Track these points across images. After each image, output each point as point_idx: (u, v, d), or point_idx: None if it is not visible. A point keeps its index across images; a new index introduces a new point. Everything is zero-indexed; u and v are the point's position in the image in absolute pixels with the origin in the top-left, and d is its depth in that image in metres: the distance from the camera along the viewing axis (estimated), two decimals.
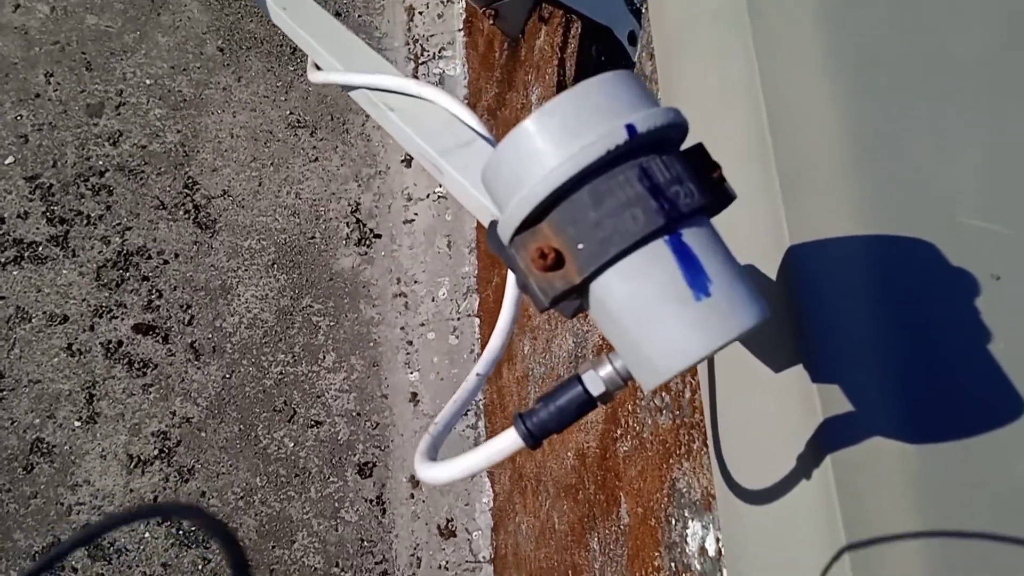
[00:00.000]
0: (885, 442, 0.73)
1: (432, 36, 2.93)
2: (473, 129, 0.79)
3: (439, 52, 2.91)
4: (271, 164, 2.72)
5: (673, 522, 1.21)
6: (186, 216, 2.61)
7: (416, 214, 2.75)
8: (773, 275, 0.78)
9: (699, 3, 0.97)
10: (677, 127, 0.53)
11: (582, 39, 1.69)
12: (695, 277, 0.49)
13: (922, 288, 0.76)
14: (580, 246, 0.50)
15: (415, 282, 2.69)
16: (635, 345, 0.51)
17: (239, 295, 2.58)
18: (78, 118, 2.63)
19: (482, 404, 2.53)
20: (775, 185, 0.80)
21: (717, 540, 1.11)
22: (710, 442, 0.92)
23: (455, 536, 2.41)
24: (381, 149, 2.81)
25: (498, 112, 2.41)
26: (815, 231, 0.77)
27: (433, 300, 2.66)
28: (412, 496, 2.48)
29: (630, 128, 0.49)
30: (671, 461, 1.24)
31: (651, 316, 0.49)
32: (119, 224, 2.57)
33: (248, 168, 2.69)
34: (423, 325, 2.64)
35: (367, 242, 2.71)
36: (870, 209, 0.76)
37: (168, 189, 2.62)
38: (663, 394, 1.26)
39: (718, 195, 0.53)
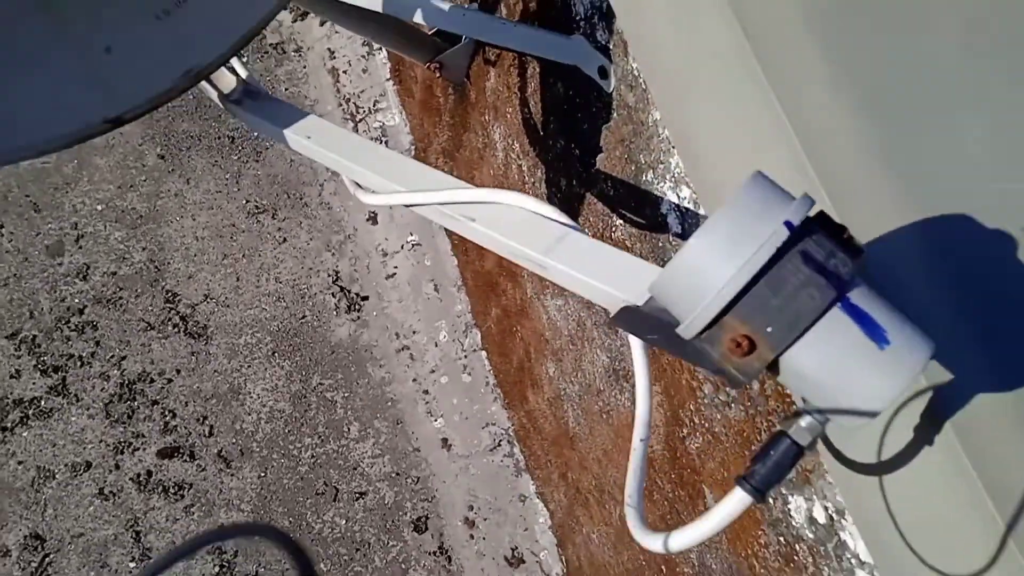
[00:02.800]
0: (989, 397, 0.84)
1: (362, 92, 2.98)
2: (561, 223, 0.87)
3: (373, 106, 2.95)
4: (243, 256, 2.74)
5: (771, 500, 1.31)
6: (176, 330, 2.61)
7: (396, 267, 2.80)
8: None
9: (697, 44, 1.05)
10: (810, 208, 0.61)
11: (543, 77, 1.77)
12: (873, 331, 0.58)
13: (971, 249, 0.85)
14: (769, 329, 0.58)
15: (414, 332, 2.74)
16: (834, 399, 0.59)
17: (250, 393, 2.59)
18: (41, 262, 2.61)
19: (512, 431, 2.60)
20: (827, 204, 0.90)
21: (825, 509, 1.21)
22: None
23: (524, 562, 2.49)
24: (344, 213, 2.85)
25: (456, 154, 2.48)
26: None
27: (436, 345, 2.72)
28: (472, 536, 2.54)
29: (788, 224, 0.57)
30: (752, 448, 1.34)
31: (847, 373, 0.58)
32: (113, 356, 2.55)
33: (222, 266, 2.71)
34: (433, 372, 2.70)
35: (357, 307, 2.75)
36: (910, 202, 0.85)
37: (151, 308, 2.61)
38: (728, 389, 1.36)
39: (855, 252, 0.61)
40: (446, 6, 1.77)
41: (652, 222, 1.40)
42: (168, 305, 2.63)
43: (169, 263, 2.68)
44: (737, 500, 0.63)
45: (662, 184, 1.36)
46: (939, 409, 0.86)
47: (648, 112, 1.35)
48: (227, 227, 2.77)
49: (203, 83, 1.26)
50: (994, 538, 0.79)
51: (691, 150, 1.15)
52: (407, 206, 1.00)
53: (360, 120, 2.96)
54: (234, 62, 1.31)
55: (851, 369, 0.58)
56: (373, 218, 2.86)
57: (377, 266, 2.81)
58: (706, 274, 0.59)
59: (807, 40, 0.93)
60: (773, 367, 0.61)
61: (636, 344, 0.81)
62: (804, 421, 0.62)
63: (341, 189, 2.88)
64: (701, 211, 1.27)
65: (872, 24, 0.93)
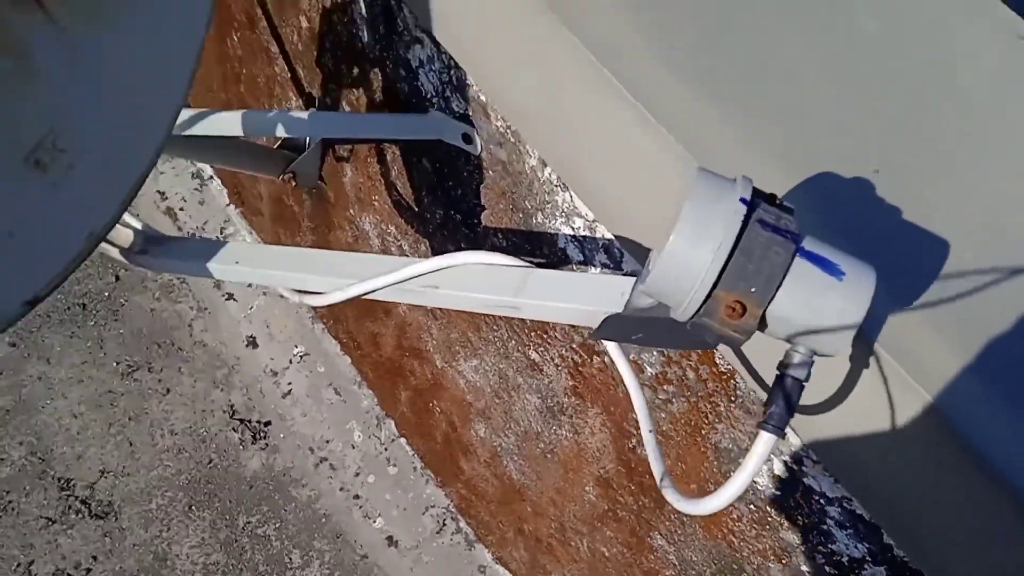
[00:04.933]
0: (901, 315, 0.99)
1: (206, 223, 2.95)
2: (518, 265, 0.95)
3: (221, 234, 2.94)
4: (129, 419, 2.62)
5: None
6: (79, 516, 2.45)
7: (290, 383, 2.77)
8: None
9: (559, 84, 1.18)
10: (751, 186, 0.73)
11: (405, 158, 1.86)
12: (831, 268, 0.70)
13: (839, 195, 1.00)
14: (753, 290, 0.69)
15: (327, 442, 2.71)
16: (815, 330, 0.71)
17: (178, 555, 2.46)
18: None
19: (454, 507, 2.61)
20: None
21: (784, 463, 1.33)
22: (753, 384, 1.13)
23: None
24: (221, 346, 2.80)
25: None
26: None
27: (353, 447, 2.70)
28: None
29: (743, 201, 0.69)
30: (704, 432, 1.45)
31: (822, 305, 0.69)
32: (19, 565, 2.36)
33: (110, 436, 2.58)
34: (358, 474, 2.67)
35: (262, 434, 2.69)
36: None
37: (45, 502, 2.44)
38: (666, 387, 1.47)
39: (790, 211, 0.74)
40: (301, 114, 1.83)
41: (554, 256, 1.51)
42: (64, 492, 2.46)
43: (53, 450, 2.52)
44: (765, 441, 0.73)
45: (554, 221, 1.48)
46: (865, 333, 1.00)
47: (524, 161, 1.47)
48: (104, 395, 2.64)
49: (103, 244, 1.26)
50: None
51: (579, 180, 1.27)
52: (363, 295, 1.05)
53: None
54: (126, 215, 1.31)
55: (824, 301, 0.69)
56: (252, 342, 2.82)
57: (271, 388, 2.77)
58: (690, 261, 0.69)
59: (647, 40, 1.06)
60: (762, 322, 0.72)
61: (616, 351, 0.90)
62: (797, 358, 0.73)
63: (210, 324, 2.83)
64: (598, 234, 1.39)
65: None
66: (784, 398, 0.72)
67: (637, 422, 1.57)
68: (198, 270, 1.24)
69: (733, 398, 1.35)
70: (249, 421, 2.69)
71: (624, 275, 0.92)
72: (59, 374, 2.63)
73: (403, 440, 2.66)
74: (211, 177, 3.02)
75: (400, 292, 1.02)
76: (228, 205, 2.97)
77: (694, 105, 1.00)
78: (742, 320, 0.69)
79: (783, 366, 0.74)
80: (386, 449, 2.67)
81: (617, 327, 0.83)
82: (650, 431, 0.86)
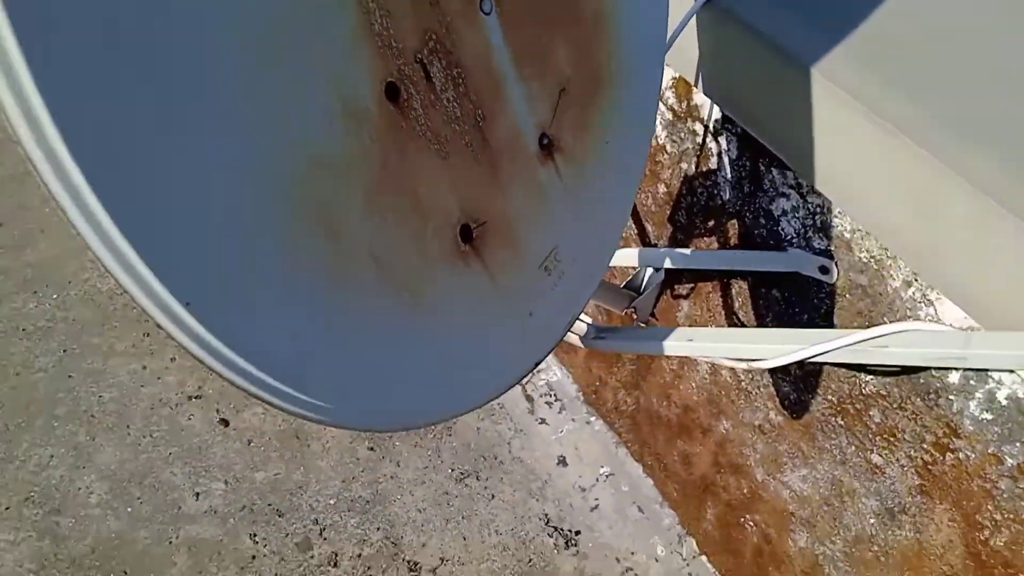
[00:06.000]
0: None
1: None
2: (957, 328, 1.28)
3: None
4: (463, 518, 3.04)
5: None
6: None
7: (597, 499, 3.11)
8: None
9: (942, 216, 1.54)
10: None
11: (753, 290, 2.26)
12: None
13: None
14: None
15: (632, 554, 2.99)
16: None
17: None
18: (295, 559, 2.89)
19: None
20: None
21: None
22: None
23: None
24: (534, 463, 3.21)
25: (641, 383, 2.91)
26: None
27: (656, 560, 2.96)
28: None
29: None
30: None
31: None
32: None
33: (447, 530, 3.00)
34: None
35: (573, 542, 3.01)
36: None
37: None
38: (1017, 477, 1.69)
39: None
40: (665, 251, 2.29)
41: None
42: (411, 573, 2.88)
43: (402, 537, 2.98)
44: None
45: None
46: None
47: (885, 283, 1.82)
48: (441, 495, 3.10)
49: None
50: None
51: (955, 290, 1.60)
52: (812, 357, 1.41)
53: (527, 382, 3.42)
54: None
55: None
56: (563, 461, 3.22)
57: (579, 502, 3.12)
58: None
59: None
60: None
61: None
62: None
63: (526, 443, 3.27)
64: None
65: None
66: None
67: (993, 510, 1.78)
68: (653, 349, 1.65)
69: None
70: (561, 529, 3.03)
71: None
72: (406, 475, 3.13)
73: (703, 557, 2.90)
74: None
75: (850, 353, 1.37)
76: (573, 387, 3.48)
77: None
78: None
79: None
80: (688, 565, 2.90)
81: None
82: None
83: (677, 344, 1.59)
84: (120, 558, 2.83)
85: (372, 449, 3.20)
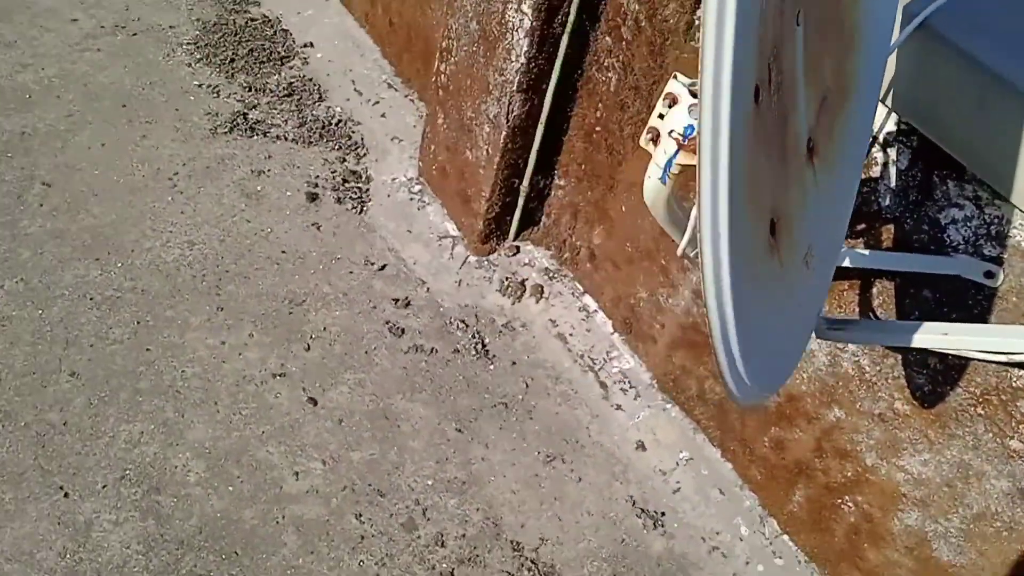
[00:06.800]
0: None
1: (592, 347, 3.57)
2: None
3: (607, 356, 3.55)
4: (555, 500, 3.13)
5: None
6: (531, 574, 2.92)
7: (678, 482, 3.27)
8: None
9: None
10: None
11: (899, 289, 2.46)
12: None
13: None
14: None
15: (717, 534, 3.16)
16: None
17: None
18: (402, 538, 2.91)
19: None
20: None
21: None
22: None
23: None
24: (614, 447, 3.33)
25: None
26: None
27: (741, 540, 3.14)
28: None
29: None
30: None
31: None
32: None
33: (542, 512, 3.09)
34: (748, 563, 3.10)
35: (660, 523, 3.16)
36: None
37: (503, 559, 2.93)
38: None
39: None
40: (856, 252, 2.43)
41: None
42: (516, 553, 2.96)
43: (502, 517, 3.04)
44: None
45: None
46: None
47: None
48: (532, 477, 3.19)
49: None
50: None
51: None
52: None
53: (599, 369, 3.54)
54: None
55: None
56: (641, 446, 3.36)
57: (661, 485, 3.27)
58: None
59: None
60: None
61: None
62: None
63: (604, 428, 3.39)
64: None
65: None
66: None
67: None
68: (900, 341, 1.81)
69: None
70: (647, 510, 3.18)
71: None
72: (496, 457, 3.20)
73: (786, 536, 3.11)
74: (596, 311, 3.69)
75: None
76: (612, 334, 3.62)
77: None
78: None
79: None
80: (770, 543, 3.11)
81: None
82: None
83: (929, 337, 1.75)
84: (230, 538, 2.77)
85: (460, 431, 3.25)
